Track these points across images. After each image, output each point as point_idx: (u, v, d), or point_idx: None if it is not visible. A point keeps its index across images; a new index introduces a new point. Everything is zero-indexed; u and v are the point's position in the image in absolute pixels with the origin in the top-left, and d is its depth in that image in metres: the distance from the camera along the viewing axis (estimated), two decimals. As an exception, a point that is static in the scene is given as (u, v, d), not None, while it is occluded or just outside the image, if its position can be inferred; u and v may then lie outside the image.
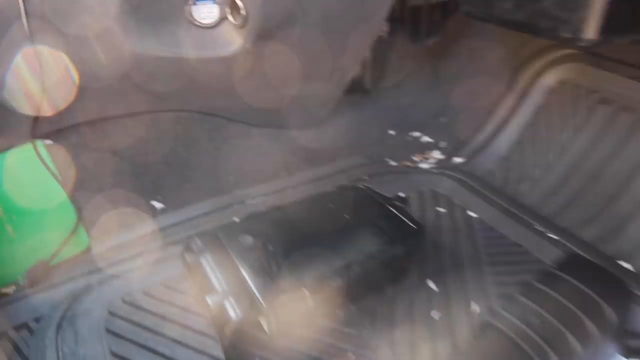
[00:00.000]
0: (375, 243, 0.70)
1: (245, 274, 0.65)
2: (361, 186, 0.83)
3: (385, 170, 1.05)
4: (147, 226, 0.90)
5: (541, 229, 0.84)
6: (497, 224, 0.86)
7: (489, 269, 0.76)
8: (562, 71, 1.00)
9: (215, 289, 0.64)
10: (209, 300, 0.62)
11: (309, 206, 0.79)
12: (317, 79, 0.96)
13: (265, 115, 0.99)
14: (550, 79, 1.01)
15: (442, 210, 0.90)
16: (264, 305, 0.61)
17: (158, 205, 0.92)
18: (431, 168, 1.05)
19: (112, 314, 0.71)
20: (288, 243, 0.70)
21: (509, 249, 0.80)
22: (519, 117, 1.03)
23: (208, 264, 0.68)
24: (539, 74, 1.03)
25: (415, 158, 1.09)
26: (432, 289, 0.74)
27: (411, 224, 0.73)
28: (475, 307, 0.70)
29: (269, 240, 0.70)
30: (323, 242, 0.70)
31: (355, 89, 1.05)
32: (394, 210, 0.75)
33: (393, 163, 1.08)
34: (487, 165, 1.03)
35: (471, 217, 0.88)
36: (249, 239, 0.70)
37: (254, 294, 0.62)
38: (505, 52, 1.07)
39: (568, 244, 0.80)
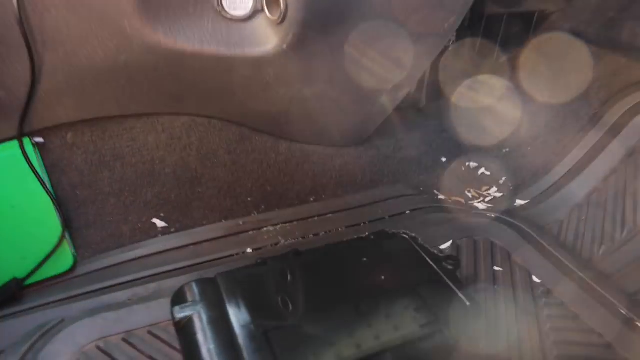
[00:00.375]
0: (417, 322, 0.54)
1: (244, 351, 0.50)
2: (404, 235, 0.67)
3: (432, 205, 0.89)
4: (145, 248, 0.77)
5: (627, 313, 0.67)
6: (569, 299, 0.68)
7: (559, 365, 0.59)
8: (667, 111, 0.81)
9: (204, 364, 0.50)
10: (193, 383, 0.48)
11: (337, 256, 0.63)
12: (364, 93, 0.80)
13: (298, 128, 0.83)
14: (649, 118, 0.82)
15: (499, 269, 0.73)
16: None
17: (160, 223, 0.79)
18: (487, 209, 0.88)
19: (80, 365, 0.58)
20: (305, 308, 0.55)
21: (586, 340, 0.63)
22: (603, 160, 0.85)
23: (200, 325, 0.54)
24: (635, 110, 0.84)
25: (468, 194, 0.92)
26: (482, 383, 0.58)
27: (464, 298, 0.56)
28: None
29: (280, 301, 0.55)
30: (350, 312, 0.55)
31: (408, 106, 0.89)
32: (443, 276, 0.59)
33: (442, 197, 0.91)
34: (556, 213, 0.85)
35: (536, 284, 0.71)
36: (256, 299, 0.55)
37: (252, 382, 0.47)
38: (595, 79, 0.88)
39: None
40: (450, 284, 0.58)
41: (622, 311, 0.67)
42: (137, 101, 0.72)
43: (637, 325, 0.65)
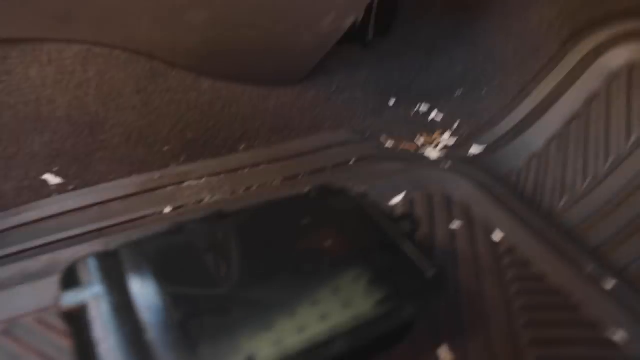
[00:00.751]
0: (372, 297, 0.44)
1: (156, 347, 0.38)
2: (350, 193, 0.56)
3: (379, 153, 0.79)
4: (34, 211, 0.62)
5: (591, 270, 0.61)
6: (533, 257, 0.61)
7: (527, 332, 0.52)
8: (634, 51, 0.74)
9: (101, 369, 0.38)
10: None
11: (271, 218, 0.52)
12: (301, 20, 0.66)
13: (223, 62, 0.69)
14: (614, 59, 0.75)
15: (457, 226, 0.65)
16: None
17: (54, 179, 0.64)
18: (440, 158, 0.79)
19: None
20: (231, 286, 0.44)
21: (554, 302, 0.56)
22: (564, 104, 0.78)
23: (98, 314, 0.41)
24: (599, 50, 0.76)
25: (419, 141, 0.82)
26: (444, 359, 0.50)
27: (425, 266, 0.47)
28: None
29: (200, 279, 0.44)
30: (289, 288, 0.45)
31: (352, 40, 0.77)
32: (399, 241, 0.50)
33: (390, 144, 0.81)
34: (513, 161, 0.78)
35: (498, 242, 0.63)
36: (169, 277, 0.43)
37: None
38: (557, 15, 0.79)
39: (628, 300, 0.58)
40: (408, 250, 0.49)
41: (587, 268, 0.61)
42: (8, 21, 0.56)
43: (600, 282, 0.59)
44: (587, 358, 0.51)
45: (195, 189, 0.68)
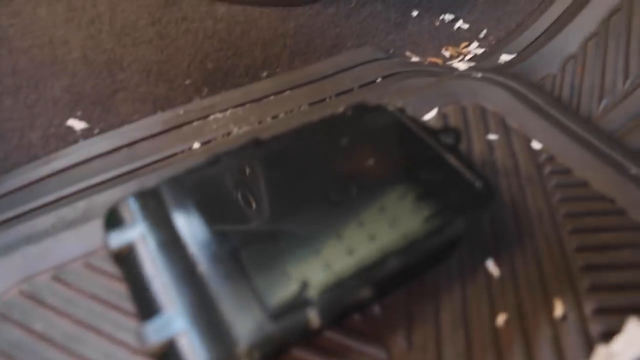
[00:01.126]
0: (420, 214, 0.43)
1: (211, 279, 0.38)
2: (388, 108, 0.54)
3: (406, 69, 0.76)
4: (64, 158, 0.61)
5: (636, 173, 0.59)
6: (575, 165, 0.59)
7: (573, 239, 0.52)
8: None
9: (157, 304, 0.38)
10: (148, 332, 0.36)
11: (309, 141, 0.50)
12: None
13: (235, -16, 0.66)
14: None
15: (493, 137, 0.63)
16: (242, 340, 0.35)
17: (78, 124, 0.62)
18: (469, 69, 0.75)
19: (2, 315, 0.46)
20: (278, 213, 0.43)
21: (599, 208, 0.55)
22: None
23: (147, 252, 0.41)
24: None
25: (445, 53, 0.78)
26: (490, 273, 0.49)
27: (475, 179, 0.46)
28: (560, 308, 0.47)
29: (245, 209, 0.43)
30: (335, 211, 0.44)
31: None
32: (444, 155, 0.48)
33: (415, 59, 0.78)
34: (547, 66, 0.74)
35: (537, 150, 0.61)
36: (213, 209, 0.43)
37: (225, 320, 0.36)
38: None
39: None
40: (454, 162, 0.47)
41: (632, 171, 0.59)
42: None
43: (651, 185, 0.57)
44: (637, 261, 0.51)
45: (222, 122, 0.66)
